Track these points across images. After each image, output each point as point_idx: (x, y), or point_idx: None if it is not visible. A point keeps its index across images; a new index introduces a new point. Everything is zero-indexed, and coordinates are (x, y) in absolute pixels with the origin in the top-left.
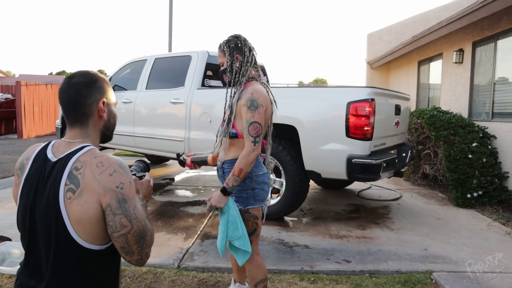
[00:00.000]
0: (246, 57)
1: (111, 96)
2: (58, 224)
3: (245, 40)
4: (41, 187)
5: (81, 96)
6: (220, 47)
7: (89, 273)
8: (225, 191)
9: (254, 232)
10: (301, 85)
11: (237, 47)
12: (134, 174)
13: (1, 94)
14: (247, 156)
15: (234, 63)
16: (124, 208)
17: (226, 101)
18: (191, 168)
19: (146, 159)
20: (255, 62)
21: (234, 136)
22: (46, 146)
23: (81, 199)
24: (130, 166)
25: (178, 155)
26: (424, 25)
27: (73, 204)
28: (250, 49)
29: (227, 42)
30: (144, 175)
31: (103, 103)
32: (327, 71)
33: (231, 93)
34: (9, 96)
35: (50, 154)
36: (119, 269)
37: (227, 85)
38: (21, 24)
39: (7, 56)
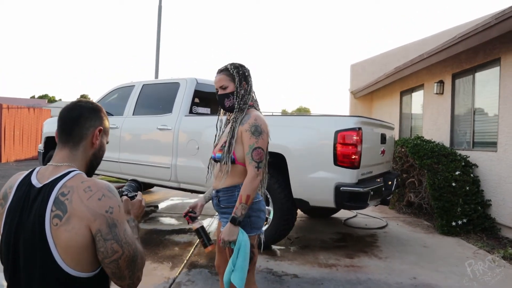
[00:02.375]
0: (250, 87)
1: (107, 129)
2: (44, 252)
3: (248, 70)
4: (26, 214)
5: (83, 116)
6: (227, 70)
7: None
8: (234, 221)
9: (251, 261)
10: (285, 113)
11: (244, 75)
12: (126, 194)
13: None
14: (251, 181)
15: (240, 90)
16: (114, 233)
17: (221, 127)
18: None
19: (138, 180)
20: (253, 91)
21: (232, 162)
22: (30, 173)
23: (68, 225)
24: (121, 187)
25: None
26: (406, 57)
27: (60, 230)
28: (251, 80)
29: (236, 68)
30: (135, 195)
31: (100, 130)
32: (311, 100)
33: (234, 118)
34: None
35: (34, 181)
36: None
37: (225, 110)
38: (2, 46)
39: None
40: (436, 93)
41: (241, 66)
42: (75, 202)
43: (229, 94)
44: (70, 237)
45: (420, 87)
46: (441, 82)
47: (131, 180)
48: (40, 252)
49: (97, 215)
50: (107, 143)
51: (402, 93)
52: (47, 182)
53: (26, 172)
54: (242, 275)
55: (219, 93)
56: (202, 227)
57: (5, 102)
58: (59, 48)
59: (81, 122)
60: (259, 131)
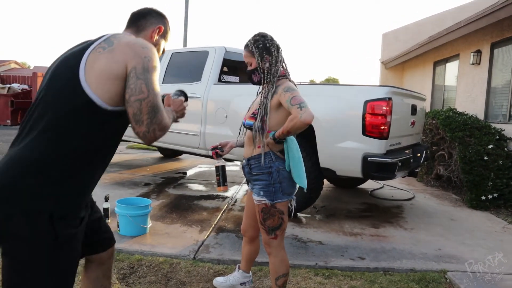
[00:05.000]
0: (274, 57)
1: (167, 33)
2: (73, 77)
3: (272, 39)
4: (76, 48)
5: (149, 14)
6: (247, 46)
7: (85, 135)
8: (274, 139)
9: (280, 227)
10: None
11: (265, 47)
12: (169, 94)
13: (18, 85)
14: (292, 119)
15: (263, 64)
16: (146, 77)
17: (257, 97)
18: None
19: (185, 92)
20: (283, 60)
21: (262, 131)
22: None
23: (109, 54)
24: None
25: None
26: (441, 26)
27: (100, 57)
28: (278, 48)
29: (255, 42)
30: (178, 97)
31: (160, 28)
32: (339, 70)
33: (264, 93)
34: (26, 86)
35: None
36: (111, 150)
37: (255, 84)
38: (35, 16)
39: (22, 47)
40: (472, 64)
41: (262, 37)
42: (122, 42)
43: (254, 70)
44: (107, 63)
45: (455, 57)
46: (478, 52)
47: (178, 90)
48: (70, 75)
49: (136, 55)
50: (163, 50)
51: (436, 64)
52: None
53: None
54: (299, 174)
55: (247, 69)
56: (224, 167)
57: (39, 71)
58: (91, 15)
59: (146, 16)
60: (292, 88)
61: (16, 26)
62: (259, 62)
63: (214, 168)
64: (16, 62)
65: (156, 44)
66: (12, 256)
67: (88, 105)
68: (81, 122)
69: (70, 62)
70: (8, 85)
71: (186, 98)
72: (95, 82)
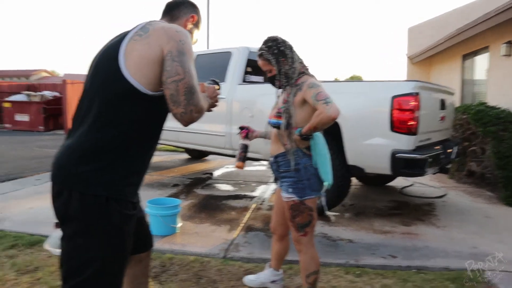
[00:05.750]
0: (290, 59)
1: (199, 22)
2: (114, 64)
3: (283, 40)
4: (114, 40)
5: (183, 4)
6: (262, 56)
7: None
8: (300, 135)
9: (309, 224)
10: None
11: (280, 51)
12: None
13: (49, 92)
14: (318, 115)
15: (282, 68)
16: (181, 59)
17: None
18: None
19: (217, 81)
20: (299, 57)
21: (289, 128)
22: None
23: (145, 40)
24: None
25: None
26: (468, 18)
27: (137, 44)
28: (291, 48)
29: (269, 49)
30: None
31: (193, 17)
32: (364, 67)
33: (288, 91)
34: (57, 94)
35: None
36: (153, 140)
37: (279, 88)
38: (64, 26)
39: (51, 56)
40: (504, 55)
41: (273, 41)
42: (157, 28)
43: (274, 76)
44: (144, 49)
45: (484, 49)
46: (509, 43)
47: (210, 79)
48: (111, 63)
49: (171, 39)
50: (197, 28)
51: (464, 57)
52: None
53: None
54: (325, 170)
55: (267, 75)
56: (247, 146)
57: (68, 78)
58: (120, 26)
59: (180, 6)
60: (316, 84)
61: (46, 36)
62: (279, 68)
63: (238, 150)
64: (46, 71)
65: (190, 33)
66: (71, 239)
67: (130, 91)
68: (126, 109)
69: (110, 53)
70: (41, 93)
71: (219, 86)
72: (134, 69)
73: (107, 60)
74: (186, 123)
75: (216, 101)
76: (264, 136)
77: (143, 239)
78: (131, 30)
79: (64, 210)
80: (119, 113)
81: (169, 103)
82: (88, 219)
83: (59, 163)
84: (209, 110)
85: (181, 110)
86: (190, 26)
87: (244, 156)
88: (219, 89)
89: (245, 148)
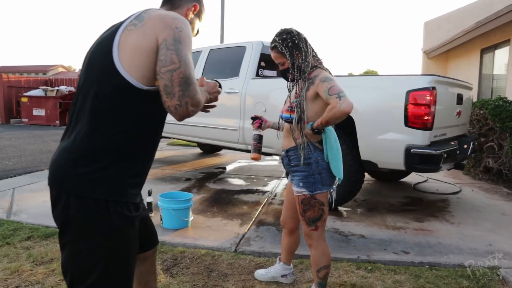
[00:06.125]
0: (304, 52)
1: (201, 12)
2: (108, 58)
3: (298, 33)
4: (109, 30)
5: None
6: (276, 47)
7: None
8: (312, 129)
9: (320, 218)
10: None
11: (294, 43)
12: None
13: (65, 87)
14: (330, 109)
15: (296, 61)
16: (177, 47)
17: (293, 90)
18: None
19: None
20: (313, 50)
21: (301, 122)
22: None
23: (140, 30)
24: None
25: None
26: (487, 11)
27: (131, 33)
28: (305, 40)
29: (283, 41)
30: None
31: (195, 6)
32: (378, 62)
33: (300, 85)
34: (72, 88)
35: None
36: (154, 133)
37: (291, 82)
38: (79, 21)
39: (68, 52)
40: None
41: (288, 33)
42: (152, 16)
43: (287, 69)
44: (138, 39)
45: (505, 43)
46: None
47: (213, 79)
48: (104, 57)
49: (167, 27)
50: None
51: (483, 51)
52: None
53: None
54: (336, 164)
55: (279, 68)
56: (261, 137)
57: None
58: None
59: None
60: (329, 77)
61: (63, 32)
62: (292, 61)
63: (253, 142)
64: (63, 66)
65: (191, 23)
66: (72, 243)
67: (124, 86)
68: (122, 105)
69: (104, 45)
70: (57, 88)
71: (220, 86)
72: (128, 62)
73: (100, 53)
74: (180, 117)
75: (216, 99)
76: (277, 127)
77: (148, 238)
78: (125, 20)
79: (63, 216)
80: (115, 110)
81: (162, 95)
82: (89, 223)
83: (55, 167)
84: (206, 110)
85: (176, 102)
86: (191, 16)
87: (259, 147)
88: (220, 87)
89: (259, 138)
